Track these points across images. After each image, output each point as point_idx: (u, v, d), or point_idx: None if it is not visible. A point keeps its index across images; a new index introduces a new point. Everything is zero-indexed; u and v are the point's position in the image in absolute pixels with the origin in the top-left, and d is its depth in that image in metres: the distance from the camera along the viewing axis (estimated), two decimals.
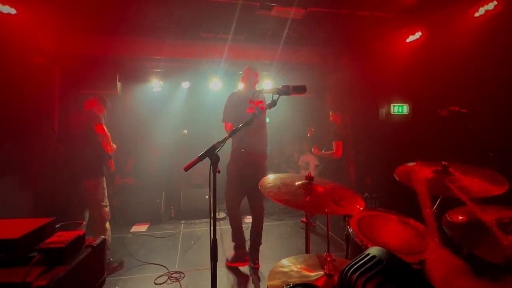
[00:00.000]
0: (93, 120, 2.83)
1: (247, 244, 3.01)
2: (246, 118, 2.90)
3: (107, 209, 2.91)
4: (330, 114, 3.99)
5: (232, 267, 2.92)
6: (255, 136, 2.81)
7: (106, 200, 2.92)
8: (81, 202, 2.84)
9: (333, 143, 3.71)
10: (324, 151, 3.86)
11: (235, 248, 2.92)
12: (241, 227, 2.95)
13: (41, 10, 3.23)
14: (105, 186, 2.92)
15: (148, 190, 4.79)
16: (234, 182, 2.85)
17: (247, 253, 2.92)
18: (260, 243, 2.93)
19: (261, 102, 2.92)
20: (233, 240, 2.94)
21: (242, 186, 2.86)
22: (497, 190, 1.39)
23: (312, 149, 4.08)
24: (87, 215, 2.90)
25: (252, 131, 2.75)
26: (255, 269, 2.86)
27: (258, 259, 2.90)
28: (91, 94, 4.18)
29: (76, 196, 2.81)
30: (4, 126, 3.23)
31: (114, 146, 3.03)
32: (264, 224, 2.86)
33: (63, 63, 4.07)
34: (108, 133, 2.88)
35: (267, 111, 1.46)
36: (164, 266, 2.94)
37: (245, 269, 2.97)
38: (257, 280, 2.74)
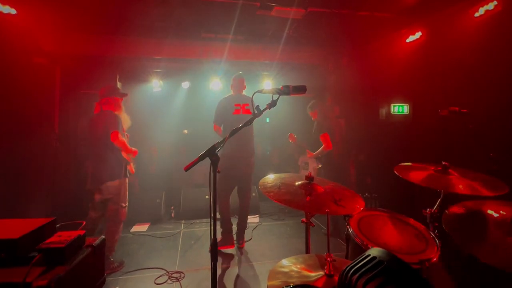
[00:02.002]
0: (110, 125, 2.78)
1: (234, 229, 3.49)
2: (233, 120, 3.25)
3: (124, 210, 2.94)
4: (310, 114, 3.98)
5: (221, 250, 3.30)
6: (244, 135, 3.13)
7: (126, 201, 2.95)
8: (101, 203, 2.85)
9: (320, 138, 3.70)
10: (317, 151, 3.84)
11: (223, 233, 3.36)
12: (228, 213, 3.36)
13: (41, 10, 3.22)
14: (127, 187, 2.96)
15: (148, 190, 4.79)
16: (226, 174, 3.24)
17: (232, 237, 3.37)
18: (245, 227, 3.49)
19: (247, 104, 3.33)
20: (221, 226, 3.38)
21: (234, 178, 3.35)
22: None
23: (307, 155, 4.04)
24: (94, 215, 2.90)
25: (241, 130, 2.87)
26: (240, 248, 3.43)
27: (242, 239, 3.47)
28: (92, 94, 4.19)
29: (96, 196, 2.80)
30: (4, 126, 3.23)
31: (134, 149, 2.99)
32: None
33: (63, 63, 4.07)
34: (123, 140, 2.83)
35: (267, 111, 1.45)
36: (164, 269, 2.93)
37: (244, 268, 2.98)
38: (241, 255, 3.31)
